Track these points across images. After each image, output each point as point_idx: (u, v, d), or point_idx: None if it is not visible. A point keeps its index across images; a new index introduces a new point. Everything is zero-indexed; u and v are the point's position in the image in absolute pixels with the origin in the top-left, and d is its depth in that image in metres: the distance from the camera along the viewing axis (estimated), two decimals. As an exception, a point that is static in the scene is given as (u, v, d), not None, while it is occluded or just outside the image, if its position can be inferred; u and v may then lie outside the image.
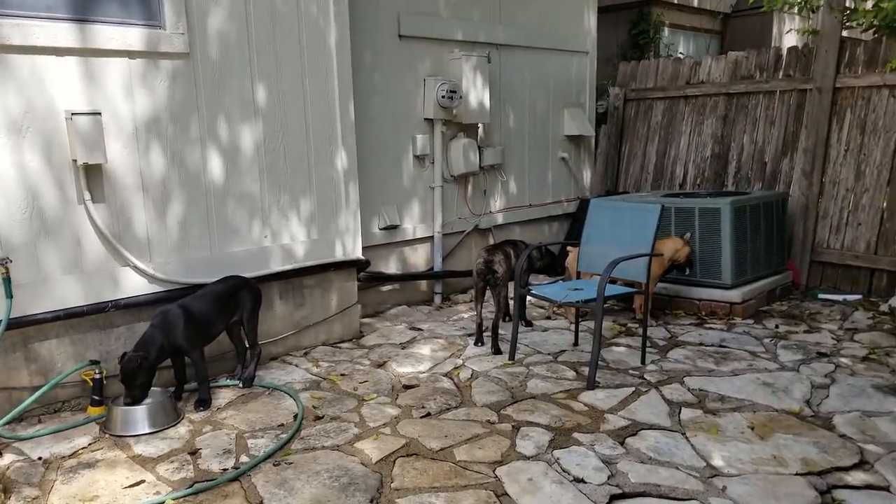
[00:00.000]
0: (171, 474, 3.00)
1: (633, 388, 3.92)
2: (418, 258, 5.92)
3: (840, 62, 6.11)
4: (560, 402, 3.75)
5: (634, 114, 7.61)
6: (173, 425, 3.48)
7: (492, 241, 6.50)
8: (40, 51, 3.42)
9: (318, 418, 3.56)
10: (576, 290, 4.33)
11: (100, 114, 3.56)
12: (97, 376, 3.63)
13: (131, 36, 3.70)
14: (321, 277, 4.73)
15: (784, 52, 6.60)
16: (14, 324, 3.39)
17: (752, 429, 3.37)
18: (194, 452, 3.20)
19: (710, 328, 5.08)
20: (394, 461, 3.09)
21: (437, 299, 5.98)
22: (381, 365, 4.38)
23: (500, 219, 6.63)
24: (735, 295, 5.34)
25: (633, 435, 3.34)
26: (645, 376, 4.12)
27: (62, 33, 3.47)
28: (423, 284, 5.99)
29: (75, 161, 3.53)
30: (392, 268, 5.72)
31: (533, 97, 6.87)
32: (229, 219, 4.21)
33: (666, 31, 11.76)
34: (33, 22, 3.38)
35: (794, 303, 5.74)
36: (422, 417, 3.55)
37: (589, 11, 7.35)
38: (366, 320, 5.35)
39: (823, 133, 6.18)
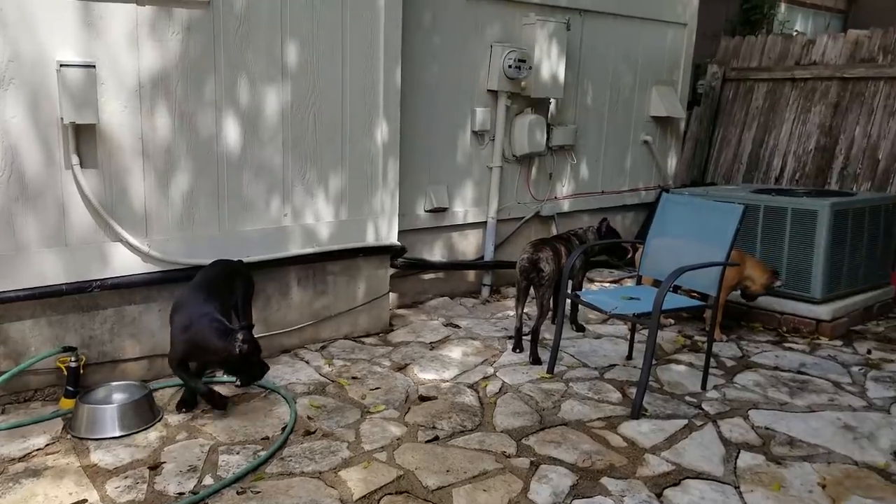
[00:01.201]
0: (119, 494, 2.56)
1: (686, 421, 3.28)
2: (468, 245, 5.36)
3: None
4: (596, 432, 3.14)
5: (732, 96, 6.71)
6: (146, 428, 3.06)
7: (555, 231, 5.86)
8: (29, -8, 3.03)
9: (309, 433, 3.08)
10: (631, 298, 3.67)
11: (94, 66, 3.15)
12: (73, 364, 3.26)
13: (139, -20, 3.28)
14: (348, 263, 4.25)
15: (918, 32, 5.57)
16: (-23, 301, 3.05)
17: (824, 487, 2.73)
18: (156, 467, 2.76)
19: (790, 348, 4.33)
20: (378, 500, 2.58)
21: (486, 292, 5.41)
22: (401, 368, 3.88)
23: (566, 206, 5.96)
24: (823, 311, 4.57)
25: (675, 485, 2.73)
26: (703, 405, 3.46)
27: (57, -27, 3.08)
28: (472, 275, 5.43)
29: (63, 119, 3.16)
30: (437, 255, 5.18)
31: (617, 71, 6.11)
32: (244, 193, 3.78)
33: (782, 6, 10.56)
34: (21, -41, 3.00)
35: (892, 323, 4.91)
36: (427, 442, 3.02)
37: (688, -24, 6.46)
38: (400, 311, 4.86)
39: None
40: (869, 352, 4.29)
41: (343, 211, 4.16)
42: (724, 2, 9.99)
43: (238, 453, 2.89)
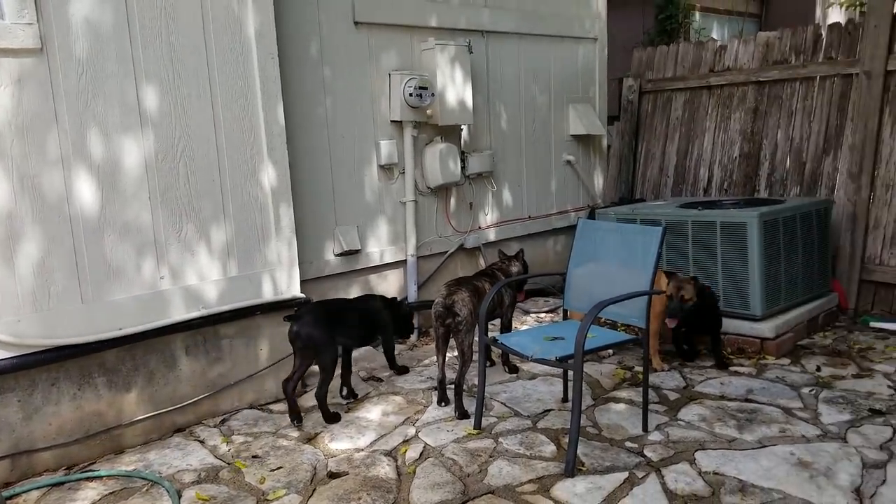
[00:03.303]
0: None
1: (627, 474, 2.92)
2: (389, 287, 4.96)
3: (893, 41, 5.00)
4: (526, 499, 2.76)
5: (651, 108, 6.53)
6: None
7: (482, 262, 5.53)
8: None
9: (188, 536, 2.63)
10: (555, 339, 3.33)
11: None
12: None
13: (-49, 28, 2.84)
14: (245, 324, 3.81)
15: (824, 31, 5.49)
16: None
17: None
18: None
19: (736, 372, 4.05)
20: None
21: (413, 336, 5.01)
22: (311, 438, 3.43)
23: (491, 235, 5.64)
24: (766, 328, 4.30)
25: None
26: (645, 451, 3.12)
27: None
28: (394, 319, 5.03)
29: None
30: (352, 301, 4.77)
31: (530, 92, 5.86)
32: (108, 257, 3.31)
33: (697, 15, 10.67)
34: None
35: (840, 333, 4.69)
36: (327, 535, 2.60)
37: (594, -10, 6.30)
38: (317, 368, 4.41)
39: (874, 126, 5.08)
40: (818, 368, 4.04)
41: (232, 266, 3.73)
42: (641, 14, 10.01)
43: (93, 577, 2.41)
